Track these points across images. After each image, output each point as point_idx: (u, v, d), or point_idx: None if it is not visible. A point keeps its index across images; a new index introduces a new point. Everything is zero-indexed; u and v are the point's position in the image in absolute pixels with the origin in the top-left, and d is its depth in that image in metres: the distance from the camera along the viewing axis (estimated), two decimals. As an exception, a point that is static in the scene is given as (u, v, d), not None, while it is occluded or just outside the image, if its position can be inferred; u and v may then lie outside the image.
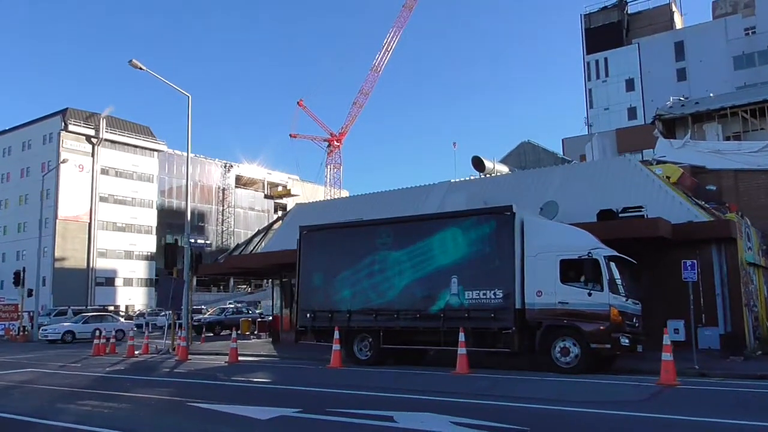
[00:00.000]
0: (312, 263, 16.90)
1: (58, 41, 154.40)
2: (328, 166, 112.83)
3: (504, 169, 27.76)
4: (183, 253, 24.49)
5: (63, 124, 71.65)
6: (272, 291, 25.99)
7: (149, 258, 79.72)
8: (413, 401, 9.73)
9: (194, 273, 24.29)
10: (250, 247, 27.11)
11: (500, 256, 13.99)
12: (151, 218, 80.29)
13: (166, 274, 24.32)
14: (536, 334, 13.52)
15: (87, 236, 73.61)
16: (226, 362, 16.86)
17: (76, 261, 72.49)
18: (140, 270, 78.89)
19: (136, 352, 22.07)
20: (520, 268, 13.83)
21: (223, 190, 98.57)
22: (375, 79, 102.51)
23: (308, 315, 16.51)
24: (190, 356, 18.49)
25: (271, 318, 37.62)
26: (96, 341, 21.40)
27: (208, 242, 24.81)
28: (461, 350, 13.05)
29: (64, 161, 57.57)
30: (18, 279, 36.61)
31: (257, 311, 46.59)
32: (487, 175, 26.21)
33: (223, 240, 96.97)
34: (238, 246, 28.57)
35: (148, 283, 79.90)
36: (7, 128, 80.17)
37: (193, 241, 24.07)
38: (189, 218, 25.08)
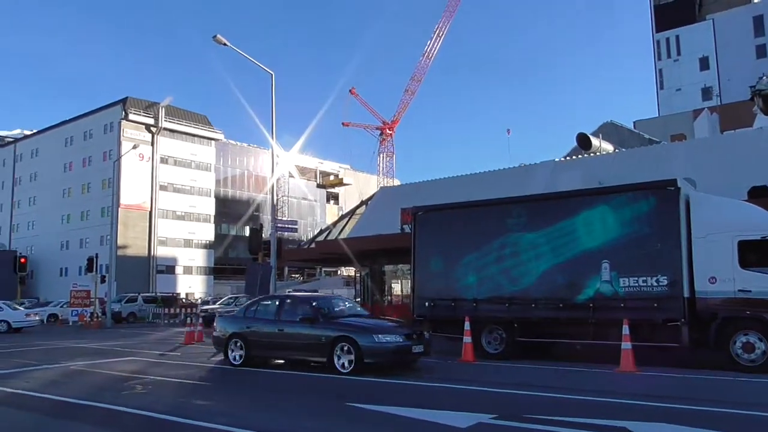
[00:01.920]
0: (429, 247, 15.41)
1: (106, 33, 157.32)
2: (381, 155, 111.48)
3: (609, 147, 25.81)
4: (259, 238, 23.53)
5: (123, 113, 72.11)
6: (360, 278, 24.73)
7: (208, 246, 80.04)
8: (618, 406, 8.10)
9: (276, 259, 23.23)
10: (335, 233, 25.89)
11: (662, 238, 12.21)
12: (209, 207, 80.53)
13: (251, 260, 23.30)
14: (710, 326, 11.71)
15: (148, 224, 74.16)
16: (337, 353, 15.55)
17: (137, 249, 73.10)
18: (199, 258, 79.25)
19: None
20: (686, 251, 12.04)
21: (277, 179, 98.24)
22: (427, 65, 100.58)
23: (426, 303, 15.05)
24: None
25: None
26: (187, 329, 20.47)
27: (295, 227, 23.66)
28: (626, 345, 11.36)
29: (135, 146, 57.73)
30: (91, 265, 36.46)
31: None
32: (593, 154, 24.33)
33: (278, 228, 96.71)
34: (321, 231, 27.39)
35: (207, 271, 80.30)
36: (68, 118, 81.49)
37: (280, 225, 22.92)
38: (273, 202, 23.99)
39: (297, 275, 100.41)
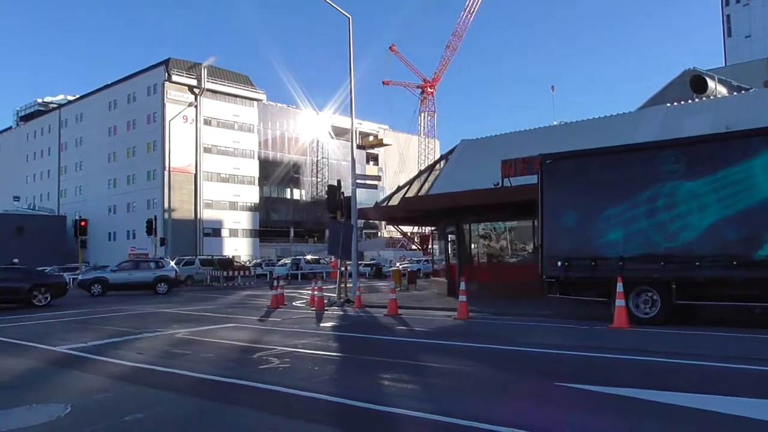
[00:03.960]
0: (561, 199, 13.65)
1: None
2: (422, 114, 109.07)
3: (724, 90, 23.46)
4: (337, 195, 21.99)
5: (166, 74, 70.80)
6: (445, 238, 23.10)
7: (252, 209, 79.36)
8: None
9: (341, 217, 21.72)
10: (414, 189, 24.24)
11: None
12: (253, 169, 79.57)
13: (330, 218, 21.84)
14: None
15: (193, 187, 73.55)
16: (454, 317, 14.07)
17: (183, 212, 72.62)
18: (244, 221, 78.67)
19: (296, 303, 20.09)
20: None
21: (317, 141, 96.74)
22: (468, 20, 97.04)
23: (558, 263, 13.36)
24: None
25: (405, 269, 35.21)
26: (274, 292, 19.24)
27: (376, 183, 21.84)
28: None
29: (191, 104, 56.57)
30: (150, 228, 35.69)
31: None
32: (710, 97, 22.06)
33: (318, 191, 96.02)
34: (399, 188, 25.75)
35: (252, 233, 79.81)
36: (110, 82, 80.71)
37: (360, 182, 21.32)
38: (354, 158, 22.35)
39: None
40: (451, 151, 24.69)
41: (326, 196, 22.12)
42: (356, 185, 21.31)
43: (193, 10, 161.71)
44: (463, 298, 14.15)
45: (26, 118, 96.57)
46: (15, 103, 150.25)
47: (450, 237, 22.96)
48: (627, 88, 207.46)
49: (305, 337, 11.58)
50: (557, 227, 13.58)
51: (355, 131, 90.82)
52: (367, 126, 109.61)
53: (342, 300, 20.13)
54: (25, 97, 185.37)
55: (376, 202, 25.50)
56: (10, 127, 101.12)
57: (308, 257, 55.98)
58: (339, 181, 22.37)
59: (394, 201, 24.83)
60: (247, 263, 57.94)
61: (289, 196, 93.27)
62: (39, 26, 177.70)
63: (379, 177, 22.47)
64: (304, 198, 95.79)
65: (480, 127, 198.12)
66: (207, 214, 74.74)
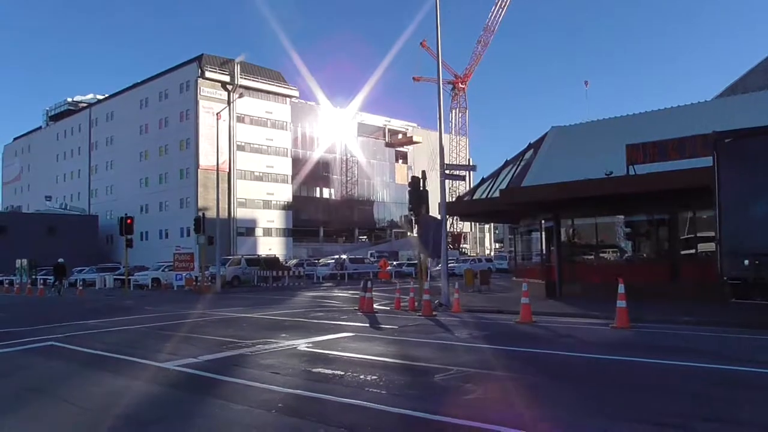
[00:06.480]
0: (748, 184, 11.38)
1: None
2: (453, 111, 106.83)
3: None
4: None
5: (199, 71, 69.24)
6: (545, 233, 20.82)
7: (286, 207, 77.59)
8: None
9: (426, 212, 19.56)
10: (498, 181, 22.09)
11: None
12: (286, 167, 77.80)
13: (410, 212, 19.71)
14: None
15: (227, 186, 71.81)
16: (612, 326, 11.82)
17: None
18: (277, 220, 76.96)
19: (375, 305, 17.87)
20: None
21: (345, 139, 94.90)
22: (500, 15, 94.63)
23: (746, 261, 11.10)
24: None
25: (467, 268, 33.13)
26: (364, 294, 17.14)
27: (464, 174, 19.75)
28: None
29: (239, 96, 54.91)
30: (199, 226, 33.88)
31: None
32: None
33: (348, 189, 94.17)
34: (483, 180, 23.58)
35: (285, 233, 78.07)
36: (140, 80, 79.44)
37: (448, 173, 19.16)
38: (440, 143, 20.17)
39: (364, 237, 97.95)
40: (540, 140, 22.47)
41: (409, 189, 19.98)
42: (444, 176, 19.15)
43: (219, 8, 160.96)
44: (622, 303, 11.87)
45: (56, 117, 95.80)
46: (45, 103, 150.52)
47: (545, 234, 20.75)
48: (669, 80, 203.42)
49: (461, 352, 9.50)
50: (742, 218, 11.31)
51: (384, 129, 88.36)
52: (396, 124, 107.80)
53: (435, 303, 17.98)
54: (54, 97, 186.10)
55: (459, 196, 23.32)
56: (40, 127, 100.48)
57: (344, 256, 54.15)
58: (423, 172, 20.27)
59: (478, 195, 22.69)
60: (285, 263, 56.04)
61: (318, 195, 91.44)
62: (68, 25, 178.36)
63: (475, 167, 20.19)
64: (333, 197, 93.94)
65: (510, 123, 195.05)
66: (240, 213, 73.03)
